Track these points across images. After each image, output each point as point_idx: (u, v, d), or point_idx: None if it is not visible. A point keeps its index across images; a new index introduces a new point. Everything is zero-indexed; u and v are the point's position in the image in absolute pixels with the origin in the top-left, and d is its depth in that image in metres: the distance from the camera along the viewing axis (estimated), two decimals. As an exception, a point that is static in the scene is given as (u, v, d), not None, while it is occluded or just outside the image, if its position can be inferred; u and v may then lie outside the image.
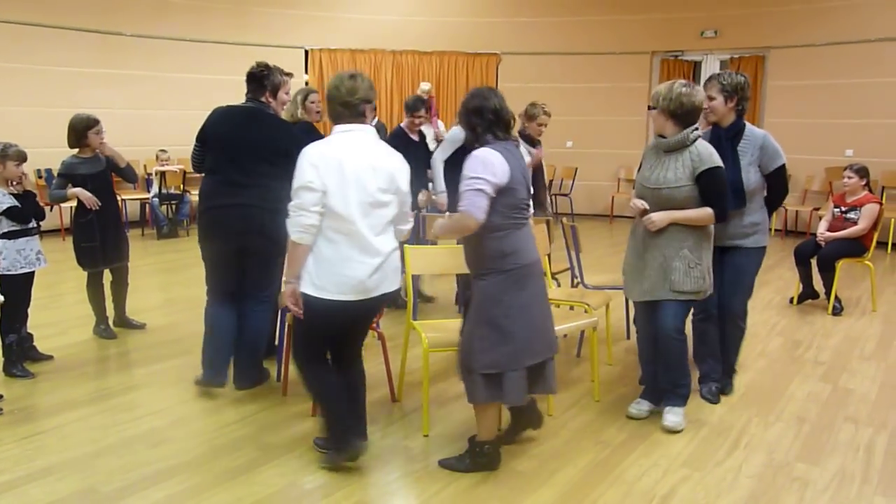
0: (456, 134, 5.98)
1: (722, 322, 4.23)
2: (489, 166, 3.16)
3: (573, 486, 3.28)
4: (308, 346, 3.35)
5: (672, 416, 3.90)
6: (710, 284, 3.81)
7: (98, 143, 5.11)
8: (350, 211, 3.08)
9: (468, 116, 3.29)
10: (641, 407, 4.04)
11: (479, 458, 3.40)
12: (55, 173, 9.78)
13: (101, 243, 5.11)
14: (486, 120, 3.25)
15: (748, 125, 4.23)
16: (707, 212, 3.68)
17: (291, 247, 3.13)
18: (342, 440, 3.33)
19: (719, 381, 4.34)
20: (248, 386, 4.28)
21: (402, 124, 6.34)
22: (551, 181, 11.77)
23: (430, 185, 6.19)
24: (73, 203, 5.14)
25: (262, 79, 4.16)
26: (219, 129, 4.13)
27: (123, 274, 5.42)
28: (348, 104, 3.18)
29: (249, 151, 4.04)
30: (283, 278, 3.24)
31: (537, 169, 5.86)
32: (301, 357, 3.37)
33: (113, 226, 5.22)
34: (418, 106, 6.19)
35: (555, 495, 3.20)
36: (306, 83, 11.75)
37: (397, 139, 6.13)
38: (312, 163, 3.08)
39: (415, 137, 6.26)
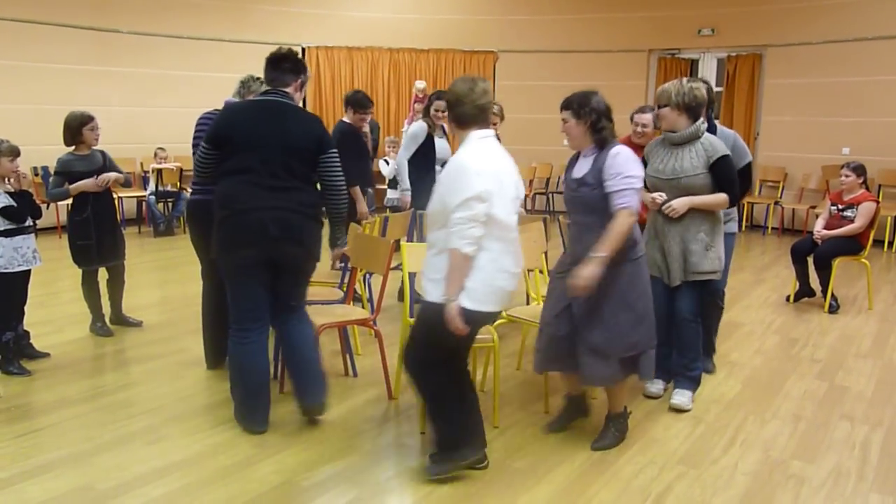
0: (417, 131, 5.98)
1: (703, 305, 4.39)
2: (637, 163, 3.40)
3: (569, 483, 3.28)
4: (452, 363, 3.24)
5: (681, 396, 4.14)
6: (723, 264, 4.11)
7: (93, 140, 5.11)
8: (509, 219, 3.09)
9: (598, 117, 3.36)
10: (658, 386, 4.29)
11: (623, 424, 3.72)
12: (51, 171, 9.78)
13: (96, 241, 5.10)
14: (611, 121, 3.41)
15: (718, 126, 4.47)
16: (722, 197, 3.93)
17: (460, 260, 2.96)
18: (469, 449, 3.31)
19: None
20: (324, 400, 3.80)
21: (345, 119, 5.99)
22: (548, 179, 11.79)
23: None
24: (69, 201, 5.12)
25: (296, 63, 3.65)
26: (244, 126, 3.55)
27: (120, 272, 5.41)
28: (483, 108, 3.10)
29: (284, 151, 3.52)
30: (446, 296, 3.01)
31: None
32: (443, 375, 3.22)
33: (109, 224, 5.21)
34: (366, 104, 5.90)
35: (550, 493, 3.20)
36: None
37: (344, 135, 5.81)
38: (478, 172, 2.97)
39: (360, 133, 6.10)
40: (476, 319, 3.08)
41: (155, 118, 10.36)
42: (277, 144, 3.51)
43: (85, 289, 5.26)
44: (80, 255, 5.13)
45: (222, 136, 3.57)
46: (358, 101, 5.86)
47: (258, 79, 4.12)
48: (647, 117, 5.00)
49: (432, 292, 3.09)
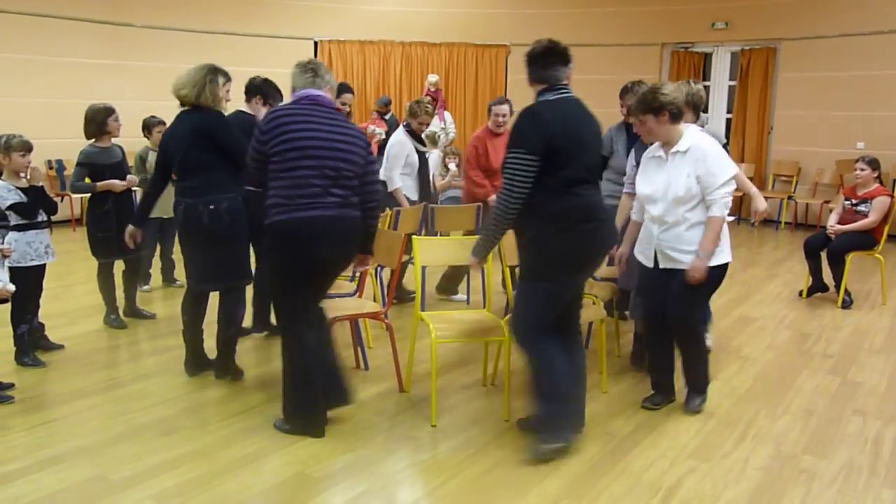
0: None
1: None
2: None
3: (580, 476, 3.29)
4: None
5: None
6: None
7: (116, 130, 5.20)
8: None
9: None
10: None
11: None
12: (66, 164, 9.86)
13: (116, 234, 5.11)
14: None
15: None
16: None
17: (722, 225, 3.68)
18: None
19: None
20: None
21: (247, 110, 5.04)
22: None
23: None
24: (88, 194, 5.18)
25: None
26: (575, 131, 3.34)
27: (136, 264, 5.47)
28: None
29: (595, 152, 3.51)
30: (702, 254, 3.66)
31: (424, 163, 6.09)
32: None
33: (127, 216, 5.19)
34: (278, 97, 5.04)
35: (562, 486, 3.21)
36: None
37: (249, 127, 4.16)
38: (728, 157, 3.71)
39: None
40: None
41: (168, 112, 10.24)
42: (594, 147, 3.49)
43: (100, 280, 5.30)
44: (99, 247, 5.18)
45: (559, 145, 3.25)
46: (259, 88, 5.02)
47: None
48: (505, 108, 5.64)
49: (688, 261, 3.72)
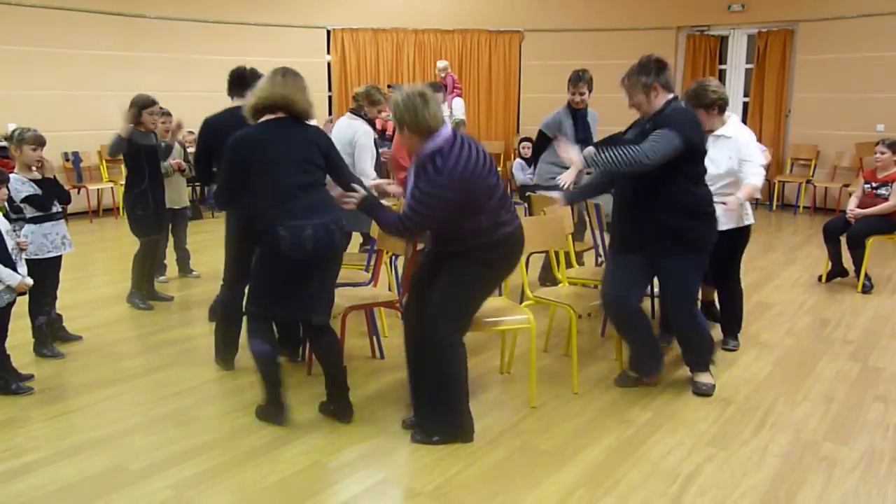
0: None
1: None
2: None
3: (597, 464, 3.27)
4: None
5: None
6: None
7: (150, 124, 5.45)
8: None
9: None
10: None
11: None
12: (81, 156, 9.91)
13: (154, 212, 5.48)
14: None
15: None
16: None
17: (757, 189, 4.34)
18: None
19: None
20: None
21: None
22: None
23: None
24: (124, 176, 5.48)
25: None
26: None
27: (157, 245, 5.82)
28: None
29: None
30: (741, 196, 4.25)
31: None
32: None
33: (161, 198, 5.61)
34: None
35: (578, 474, 3.19)
36: (328, 64, 11.73)
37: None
38: None
39: None
40: None
41: (182, 102, 10.32)
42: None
43: (138, 259, 5.57)
44: (139, 226, 5.47)
45: (701, 145, 3.80)
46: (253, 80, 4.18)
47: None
48: None
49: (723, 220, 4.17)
